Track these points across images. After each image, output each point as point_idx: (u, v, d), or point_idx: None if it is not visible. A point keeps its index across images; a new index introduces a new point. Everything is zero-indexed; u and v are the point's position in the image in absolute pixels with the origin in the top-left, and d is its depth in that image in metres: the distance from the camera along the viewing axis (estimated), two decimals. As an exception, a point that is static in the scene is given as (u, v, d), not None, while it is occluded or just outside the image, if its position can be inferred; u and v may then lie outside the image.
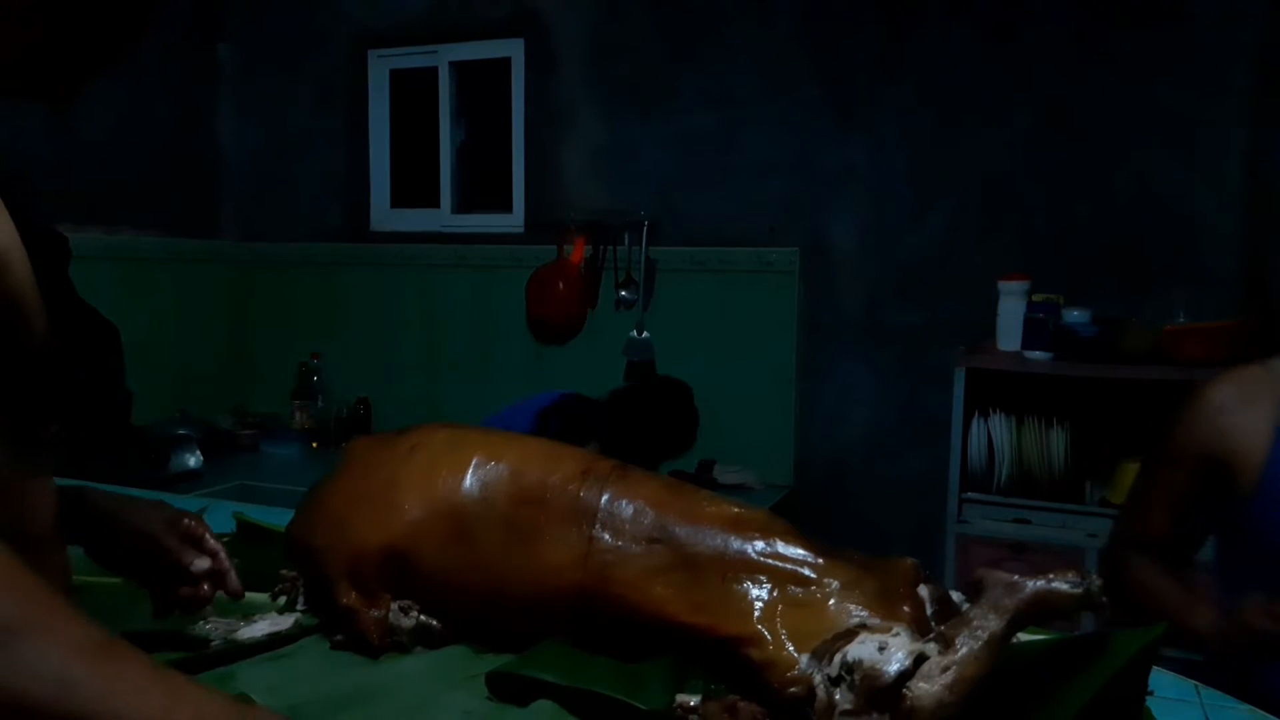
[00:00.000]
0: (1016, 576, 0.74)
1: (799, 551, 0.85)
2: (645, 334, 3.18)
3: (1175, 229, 2.62)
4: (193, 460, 2.97)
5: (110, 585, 1.09)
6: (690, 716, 0.80)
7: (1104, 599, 0.73)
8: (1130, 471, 2.40)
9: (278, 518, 1.33)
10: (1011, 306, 2.52)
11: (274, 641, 0.97)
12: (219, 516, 1.41)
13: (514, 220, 3.43)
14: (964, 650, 0.71)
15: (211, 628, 0.99)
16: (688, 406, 2.38)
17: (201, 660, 0.91)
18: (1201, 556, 1.46)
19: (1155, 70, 2.62)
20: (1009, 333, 2.52)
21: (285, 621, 1.00)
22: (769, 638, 0.80)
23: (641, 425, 2.26)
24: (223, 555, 0.94)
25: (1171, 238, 2.62)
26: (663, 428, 2.31)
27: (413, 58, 3.59)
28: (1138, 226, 2.65)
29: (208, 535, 0.94)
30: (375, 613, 0.95)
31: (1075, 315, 2.47)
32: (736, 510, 0.90)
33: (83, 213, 3.15)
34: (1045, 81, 2.73)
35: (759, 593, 0.83)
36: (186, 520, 0.94)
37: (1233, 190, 2.57)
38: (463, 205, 3.61)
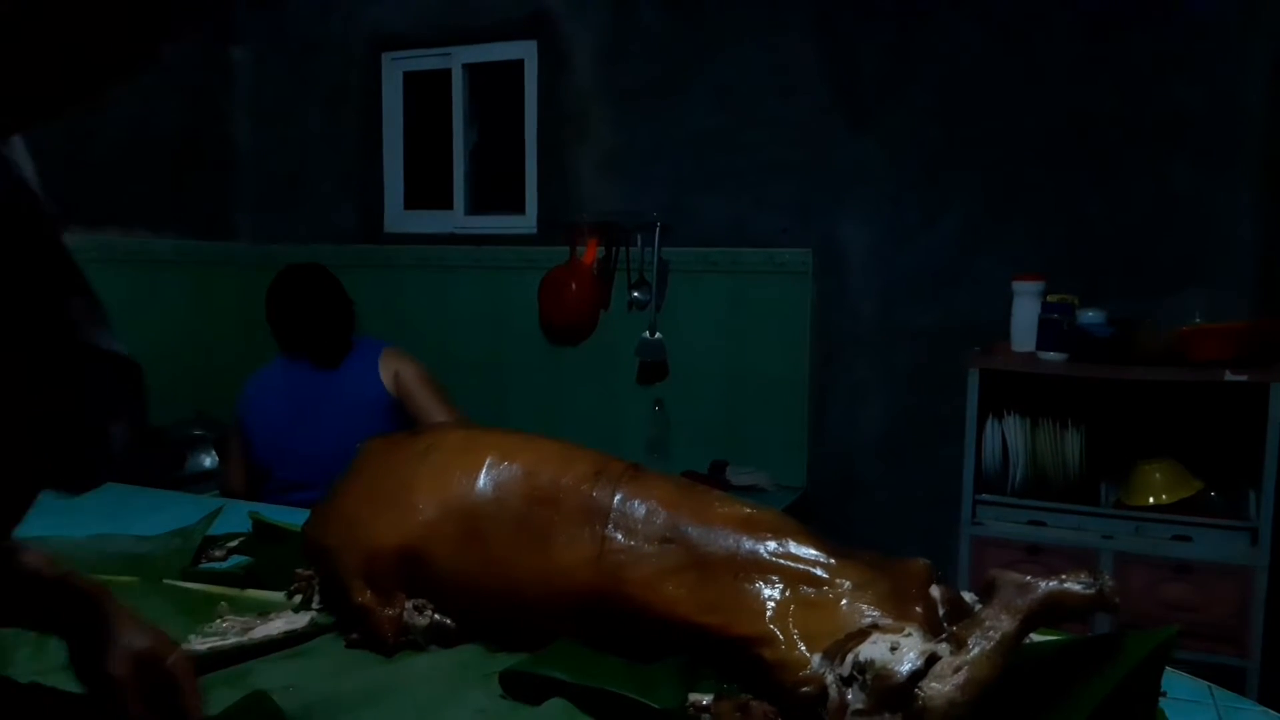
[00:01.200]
0: (1029, 577, 0.74)
1: (811, 552, 0.85)
2: (658, 335, 3.18)
3: (1190, 229, 2.61)
4: (209, 461, 3.00)
5: (124, 583, 1.10)
6: (703, 715, 0.80)
7: (1116, 599, 0.73)
8: (1146, 473, 2.40)
9: (293, 517, 1.34)
10: (1026, 307, 2.51)
11: (290, 640, 0.98)
12: (235, 517, 1.42)
13: (527, 222, 3.44)
14: (976, 651, 0.71)
15: (228, 626, 1.00)
16: (333, 291, 2.43)
17: (218, 658, 0.92)
18: None
19: (1170, 71, 2.60)
20: (1023, 333, 2.51)
21: (301, 620, 1.01)
22: (781, 637, 0.80)
23: (292, 310, 2.36)
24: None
25: (1186, 238, 2.61)
26: (312, 310, 2.37)
27: (426, 60, 3.60)
28: (1153, 226, 2.64)
29: (187, 687, 0.71)
30: (390, 611, 0.96)
31: (1090, 316, 2.46)
32: (748, 510, 0.90)
33: (98, 215, 3.18)
34: (1059, 81, 2.72)
35: (771, 593, 0.83)
36: (172, 661, 0.72)
37: (1248, 190, 2.55)
38: (475, 207, 3.62)
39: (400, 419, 2.27)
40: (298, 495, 2.09)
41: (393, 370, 2.32)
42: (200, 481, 2.89)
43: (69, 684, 0.80)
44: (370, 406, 2.26)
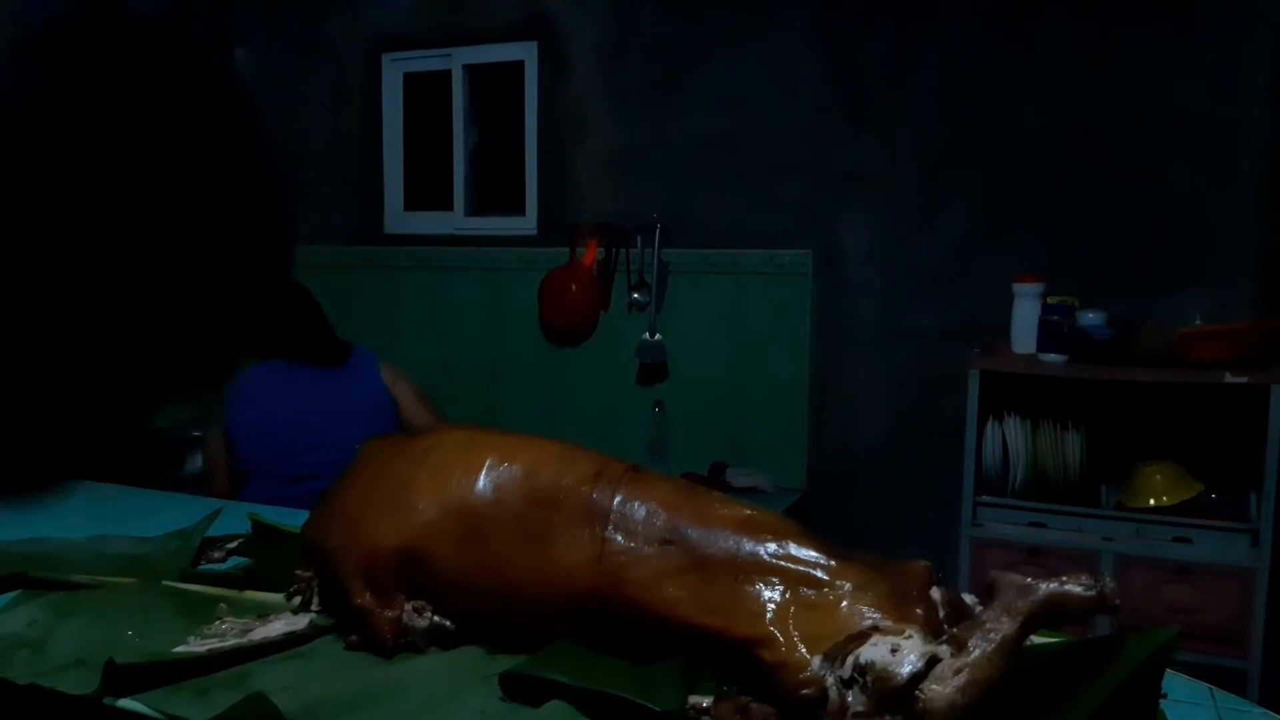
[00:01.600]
0: (1029, 579, 0.74)
1: (811, 553, 0.85)
2: (658, 336, 3.18)
3: (1191, 230, 2.61)
4: (208, 461, 2.99)
5: (122, 585, 1.10)
6: (703, 717, 0.80)
7: (1116, 601, 0.73)
8: (1146, 474, 2.40)
9: (292, 518, 1.34)
10: (1026, 308, 2.51)
11: (289, 641, 0.97)
12: (234, 517, 1.42)
13: (527, 223, 3.44)
14: (976, 653, 0.71)
15: (227, 628, 1.00)
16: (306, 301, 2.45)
17: (217, 660, 0.92)
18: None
19: (1171, 71, 2.60)
20: (1024, 335, 2.51)
21: (300, 622, 1.01)
22: (781, 639, 0.80)
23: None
24: None
25: (1187, 239, 2.61)
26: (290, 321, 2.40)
27: (426, 61, 3.60)
28: (1153, 228, 2.64)
29: None
30: (389, 613, 0.95)
31: (1090, 317, 2.46)
32: (749, 512, 0.90)
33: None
34: (1059, 82, 2.72)
35: (771, 594, 0.83)
36: None
37: (1249, 191, 2.55)
38: (476, 208, 3.62)
39: (398, 422, 2.38)
40: (303, 487, 2.15)
41: (391, 379, 2.44)
42: (200, 482, 2.89)
43: (69, 685, 0.79)
44: (378, 403, 2.38)
